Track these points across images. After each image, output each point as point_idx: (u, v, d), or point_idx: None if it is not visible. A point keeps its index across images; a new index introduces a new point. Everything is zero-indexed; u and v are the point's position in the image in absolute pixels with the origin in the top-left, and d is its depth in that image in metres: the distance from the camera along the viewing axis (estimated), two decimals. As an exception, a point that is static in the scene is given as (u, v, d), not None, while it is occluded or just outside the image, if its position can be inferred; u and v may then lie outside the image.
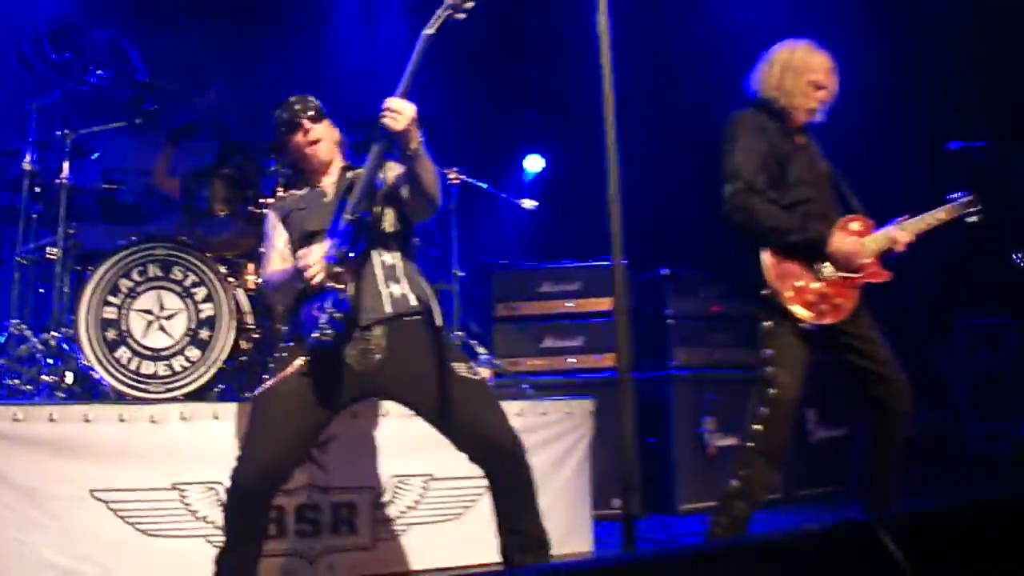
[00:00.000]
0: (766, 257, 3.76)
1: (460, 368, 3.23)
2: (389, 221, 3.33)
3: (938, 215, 4.07)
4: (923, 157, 5.83)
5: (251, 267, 4.94)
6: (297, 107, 3.46)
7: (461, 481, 4.25)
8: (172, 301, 4.43)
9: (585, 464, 4.67)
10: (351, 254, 3.13)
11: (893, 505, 3.73)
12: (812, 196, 3.85)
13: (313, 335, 3.09)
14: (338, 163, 3.54)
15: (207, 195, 4.87)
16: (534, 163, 9.15)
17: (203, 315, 4.44)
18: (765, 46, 4.06)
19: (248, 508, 3.14)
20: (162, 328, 4.40)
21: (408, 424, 4.09)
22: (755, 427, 3.68)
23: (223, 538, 3.16)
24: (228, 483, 3.12)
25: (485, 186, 5.81)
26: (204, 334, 4.43)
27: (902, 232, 3.93)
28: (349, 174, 3.45)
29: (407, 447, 4.20)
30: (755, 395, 3.74)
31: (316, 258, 3.10)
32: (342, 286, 3.08)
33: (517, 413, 4.35)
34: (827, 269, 3.80)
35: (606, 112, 2.66)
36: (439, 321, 3.31)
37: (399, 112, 3.04)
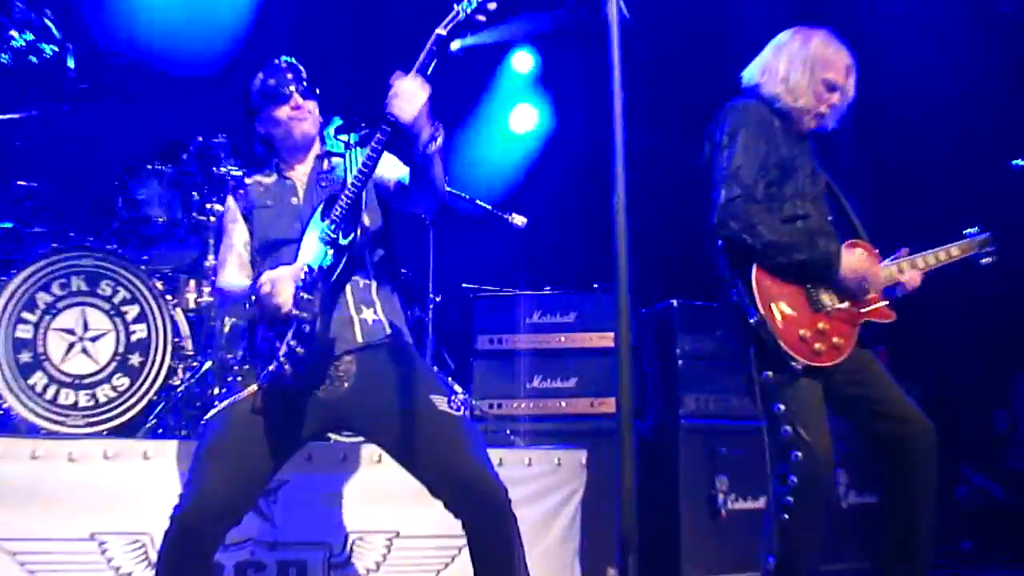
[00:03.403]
0: (756, 278, 3.67)
1: (439, 401, 3.23)
2: (368, 236, 3.34)
3: (951, 251, 4.09)
4: (984, 174, 6.06)
5: (192, 283, 5.02)
6: (288, 75, 3.47)
7: (432, 540, 4.28)
8: (98, 320, 4.46)
9: (575, 525, 4.71)
10: (326, 285, 3.15)
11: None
12: (810, 213, 3.80)
13: (269, 367, 3.10)
14: (315, 150, 3.56)
15: (144, 198, 4.90)
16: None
17: (134, 337, 4.50)
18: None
19: (190, 554, 3.04)
20: (85, 351, 4.42)
21: (372, 472, 4.24)
22: (787, 498, 3.59)
23: None
24: (169, 523, 3.03)
25: (467, 197, 5.77)
26: (135, 359, 4.49)
27: (912, 270, 3.95)
28: (325, 165, 3.53)
29: (370, 498, 4.25)
30: (776, 458, 3.66)
31: (286, 291, 3.10)
32: (308, 315, 3.09)
33: (497, 463, 4.32)
34: (827, 300, 3.74)
35: (615, 115, 2.54)
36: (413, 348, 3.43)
37: (410, 94, 3.03)
